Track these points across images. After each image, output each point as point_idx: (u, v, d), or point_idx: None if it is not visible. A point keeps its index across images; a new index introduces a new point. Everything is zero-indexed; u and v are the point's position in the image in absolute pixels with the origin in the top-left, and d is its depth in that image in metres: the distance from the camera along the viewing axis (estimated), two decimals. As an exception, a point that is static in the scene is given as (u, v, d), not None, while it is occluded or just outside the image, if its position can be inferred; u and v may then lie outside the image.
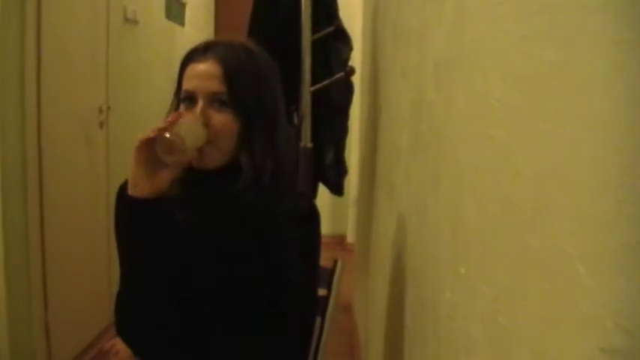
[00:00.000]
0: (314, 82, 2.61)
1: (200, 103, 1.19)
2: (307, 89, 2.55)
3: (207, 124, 1.19)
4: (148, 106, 3.59)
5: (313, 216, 1.37)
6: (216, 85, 1.18)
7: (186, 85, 1.21)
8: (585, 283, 0.56)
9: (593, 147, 0.56)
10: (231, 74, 1.19)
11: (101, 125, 3.12)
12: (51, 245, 2.63)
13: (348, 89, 2.98)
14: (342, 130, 3.05)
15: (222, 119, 1.20)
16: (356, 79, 2.99)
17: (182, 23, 4.85)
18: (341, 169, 3.04)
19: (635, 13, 0.51)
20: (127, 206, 1.21)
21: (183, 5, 4.91)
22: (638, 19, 0.50)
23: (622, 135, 0.52)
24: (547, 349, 0.66)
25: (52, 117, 2.61)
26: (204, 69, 1.19)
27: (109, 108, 3.17)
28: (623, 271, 0.51)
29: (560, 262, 0.62)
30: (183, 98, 1.22)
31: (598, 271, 0.55)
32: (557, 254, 0.63)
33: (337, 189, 3.05)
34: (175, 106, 1.27)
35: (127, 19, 3.42)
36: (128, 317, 1.27)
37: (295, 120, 2.60)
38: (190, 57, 1.23)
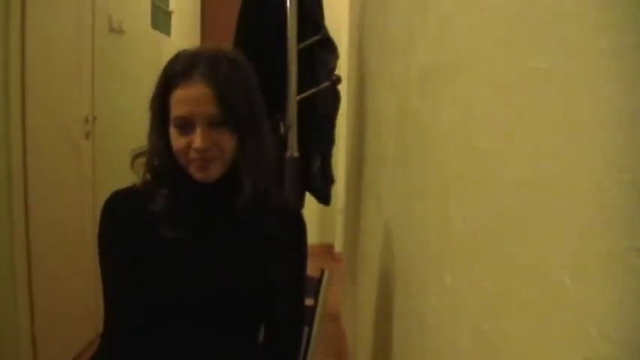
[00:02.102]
0: (300, 91, 2.60)
1: (199, 129, 1.17)
2: (293, 98, 2.55)
3: (212, 144, 1.19)
4: (134, 117, 3.55)
5: (300, 220, 1.38)
6: (211, 108, 1.17)
7: (179, 112, 1.19)
8: (570, 292, 0.56)
9: (577, 155, 0.57)
10: (222, 94, 1.17)
11: (87, 135, 3.10)
12: (37, 256, 2.60)
13: (335, 98, 2.97)
14: (329, 140, 3.04)
15: (225, 139, 1.20)
16: (342, 88, 2.99)
17: (168, 32, 4.84)
18: (328, 179, 3.03)
19: (617, 22, 0.51)
20: None
21: (169, 14, 4.90)
22: (620, 27, 0.51)
23: (606, 142, 0.52)
24: (533, 358, 0.66)
25: (37, 127, 2.59)
26: (195, 94, 1.17)
27: (94, 118, 3.15)
28: (608, 280, 0.51)
29: (545, 271, 0.62)
30: (177, 123, 1.20)
31: (582, 280, 0.55)
32: (541, 263, 0.63)
33: (324, 198, 3.05)
34: (157, 125, 1.25)
35: (112, 29, 3.40)
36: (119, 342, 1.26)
37: (282, 129, 2.59)
38: (173, 80, 1.19)
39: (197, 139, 1.17)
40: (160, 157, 1.25)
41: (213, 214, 1.29)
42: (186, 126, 1.18)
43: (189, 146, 1.18)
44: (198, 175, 1.21)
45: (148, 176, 1.29)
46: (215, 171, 1.22)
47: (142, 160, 1.29)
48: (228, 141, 1.20)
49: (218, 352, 1.27)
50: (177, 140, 1.20)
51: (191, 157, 1.19)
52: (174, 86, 1.19)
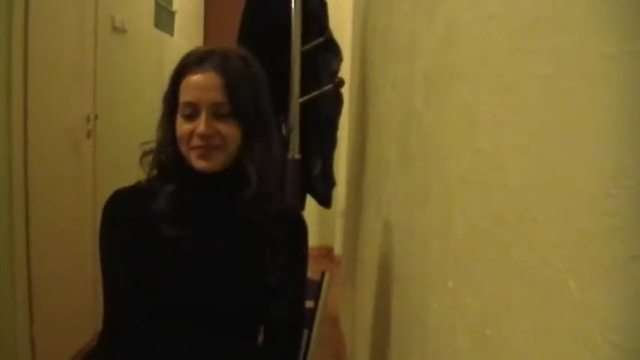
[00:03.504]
0: (303, 93, 2.60)
1: (204, 115, 1.19)
2: (296, 100, 2.54)
3: (215, 132, 1.20)
4: (136, 116, 3.57)
5: (302, 223, 1.39)
6: (218, 96, 1.19)
7: (187, 97, 1.21)
8: (575, 297, 0.56)
9: (583, 160, 0.56)
10: (231, 84, 1.20)
11: (88, 134, 3.10)
12: (37, 256, 2.59)
13: (337, 101, 2.97)
14: (331, 142, 3.04)
15: (229, 128, 1.21)
16: (345, 91, 2.99)
17: (171, 32, 4.84)
18: (329, 181, 3.03)
19: (623, 27, 0.51)
20: None
21: (172, 14, 4.90)
22: (626, 33, 0.51)
23: (612, 148, 0.52)
24: (535, 363, 0.66)
25: (39, 126, 2.58)
26: (205, 80, 1.20)
27: (96, 117, 3.14)
28: (613, 286, 0.51)
29: (549, 276, 0.62)
30: (183, 110, 1.22)
31: (587, 285, 0.55)
32: (545, 268, 0.63)
33: (325, 201, 3.04)
34: (168, 116, 1.26)
35: (115, 28, 3.40)
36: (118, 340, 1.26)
37: (283, 131, 2.59)
38: (186, 68, 1.22)
39: (201, 125, 1.19)
40: (167, 152, 1.26)
41: (215, 213, 1.29)
42: (192, 113, 1.20)
43: (192, 133, 1.20)
44: (198, 164, 1.22)
45: (155, 172, 1.29)
46: (216, 161, 1.22)
47: (150, 158, 1.30)
48: (232, 132, 1.21)
49: (218, 352, 1.26)
50: (182, 127, 1.22)
51: (193, 143, 1.20)
52: (186, 73, 1.22)
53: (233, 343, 1.28)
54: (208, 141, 1.20)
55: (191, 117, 1.21)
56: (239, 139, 1.23)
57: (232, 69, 1.21)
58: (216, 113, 1.20)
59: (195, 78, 1.20)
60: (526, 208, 0.70)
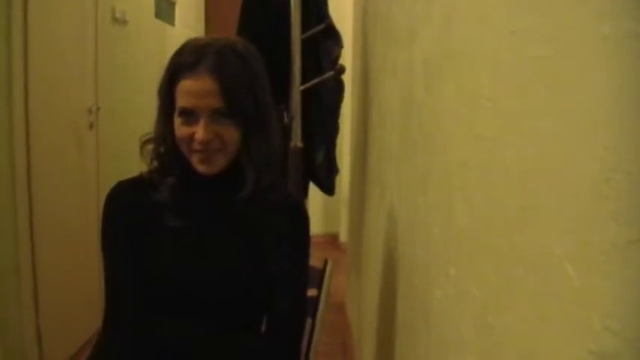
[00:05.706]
0: (304, 81, 2.59)
1: (202, 121, 1.18)
2: (297, 88, 2.53)
3: (215, 136, 1.19)
4: (139, 107, 3.56)
5: (303, 213, 1.38)
6: (215, 102, 1.17)
7: (184, 103, 1.19)
8: (574, 284, 0.56)
9: (583, 144, 0.56)
10: (227, 88, 1.17)
11: (91, 126, 3.10)
12: (41, 248, 2.60)
13: (339, 88, 2.95)
14: (333, 129, 3.03)
15: (228, 131, 1.20)
16: (347, 78, 2.98)
17: (172, 22, 4.82)
18: (332, 169, 3.02)
19: (621, 9, 0.50)
20: None
21: (172, 4, 4.89)
22: (625, 14, 0.50)
23: (612, 131, 0.51)
24: (536, 350, 0.65)
25: (41, 119, 2.58)
26: (200, 87, 1.17)
27: (98, 109, 3.14)
28: (612, 272, 0.50)
29: (549, 263, 0.61)
30: (181, 113, 1.20)
31: (586, 272, 0.54)
32: (545, 255, 0.62)
33: (329, 188, 3.04)
34: (164, 113, 1.25)
35: (115, 19, 3.39)
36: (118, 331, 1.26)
37: (285, 119, 2.58)
38: (180, 70, 1.19)
39: (199, 131, 1.17)
40: (166, 145, 1.26)
41: (216, 204, 1.29)
42: (190, 117, 1.19)
43: (191, 137, 1.19)
44: (200, 168, 1.22)
45: (156, 163, 1.29)
46: (217, 164, 1.22)
47: (151, 146, 1.29)
48: (231, 134, 1.20)
49: (219, 343, 1.27)
50: (180, 129, 1.20)
51: (193, 147, 1.20)
52: (181, 77, 1.18)
53: (235, 333, 1.29)
54: (208, 146, 1.19)
55: (189, 120, 1.19)
56: (239, 139, 1.22)
57: (228, 71, 1.18)
58: (214, 116, 1.18)
59: (191, 84, 1.17)
60: (526, 194, 0.69)
